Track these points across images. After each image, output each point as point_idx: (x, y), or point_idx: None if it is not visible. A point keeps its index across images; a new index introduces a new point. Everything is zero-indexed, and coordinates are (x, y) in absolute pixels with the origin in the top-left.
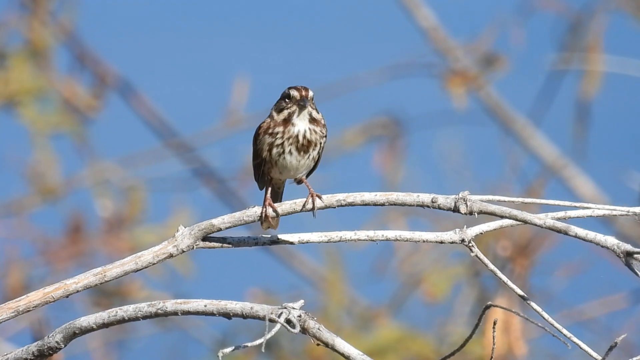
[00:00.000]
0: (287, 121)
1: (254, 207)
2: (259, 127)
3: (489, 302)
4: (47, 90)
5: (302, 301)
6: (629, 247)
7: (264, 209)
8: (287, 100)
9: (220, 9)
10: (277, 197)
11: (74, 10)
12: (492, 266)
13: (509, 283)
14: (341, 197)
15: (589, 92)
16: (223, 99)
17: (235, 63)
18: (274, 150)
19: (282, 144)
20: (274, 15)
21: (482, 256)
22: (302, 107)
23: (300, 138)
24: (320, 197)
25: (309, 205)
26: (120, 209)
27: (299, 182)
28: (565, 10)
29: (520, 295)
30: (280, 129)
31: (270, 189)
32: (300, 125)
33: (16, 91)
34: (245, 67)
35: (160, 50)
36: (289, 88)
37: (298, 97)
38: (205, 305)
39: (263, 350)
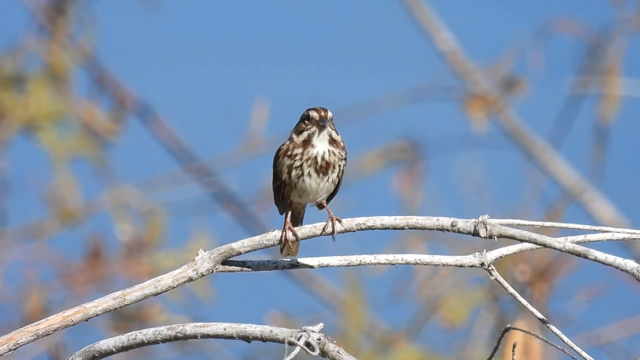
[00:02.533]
0: (306, 142)
1: (274, 230)
2: (279, 150)
3: (509, 325)
4: (66, 114)
5: (321, 324)
6: None
7: (284, 232)
8: (306, 121)
9: (240, 33)
10: (296, 222)
11: (93, 34)
12: (511, 290)
13: (529, 306)
14: (361, 220)
15: (608, 115)
16: (242, 123)
17: (255, 87)
18: (293, 173)
19: (301, 165)
20: (294, 39)
21: (501, 280)
22: (321, 128)
23: (319, 160)
24: (340, 221)
25: (329, 229)
26: (140, 233)
27: (320, 206)
28: (584, 33)
29: (539, 319)
30: (299, 150)
31: (290, 213)
32: (320, 146)
33: (36, 115)
34: (265, 91)
35: (179, 74)
36: (308, 109)
37: (317, 118)
38: (224, 329)
39: None
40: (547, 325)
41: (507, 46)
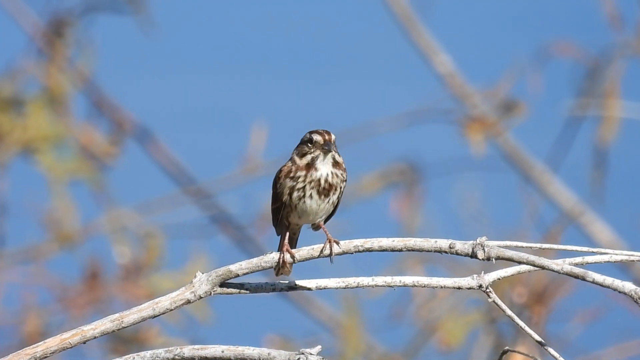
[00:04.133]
0: (310, 166)
1: (272, 253)
2: (280, 171)
3: (507, 347)
4: (64, 137)
5: (319, 347)
6: None
7: (282, 254)
8: (309, 144)
9: (239, 54)
10: (292, 243)
11: (92, 57)
12: (509, 312)
13: (527, 329)
14: (359, 242)
15: (607, 138)
16: (241, 146)
17: (254, 108)
18: (295, 194)
19: (304, 187)
20: (292, 61)
21: (499, 302)
22: (326, 152)
23: (322, 182)
24: (337, 243)
25: (327, 251)
26: (138, 255)
27: (317, 227)
28: (583, 56)
29: (538, 341)
30: (302, 172)
31: (287, 234)
32: (324, 169)
33: (34, 138)
34: (263, 112)
35: (177, 97)
36: (311, 132)
37: (322, 142)
38: (222, 351)
39: None
40: (545, 347)
41: (506, 69)
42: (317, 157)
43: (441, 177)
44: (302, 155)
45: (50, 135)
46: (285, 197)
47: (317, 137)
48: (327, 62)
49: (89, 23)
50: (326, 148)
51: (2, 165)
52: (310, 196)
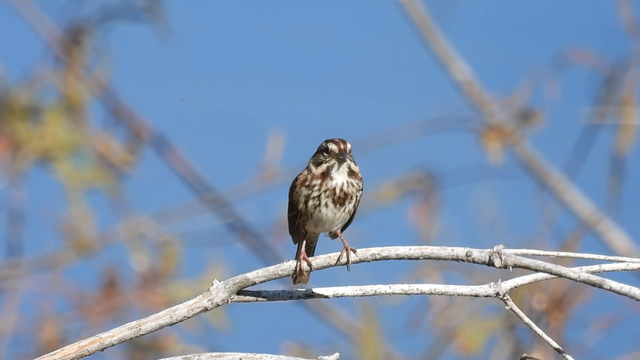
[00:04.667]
0: (325, 175)
1: (289, 260)
2: (296, 179)
3: (525, 355)
4: (81, 145)
5: (337, 354)
6: None
7: (299, 262)
8: (325, 154)
9: (256, 62)
10: (309, 251)
11: (109, 65)
12: (527, 319)
13: (544, 336)
14: (375, 250)
15: (624, 146)
16: (258, 154)
17: (271, 116)
18: (310, 203)
19: (319, 196)
20: (309, 69)
21: (517, 309)
22: (341, 161)
23: (337, 191)
24: (354, 251)
25: (344, 259)
26: (155, 263)
27: (334, 236)
28: (600, 64)
29: (555, 348)
30: (317, 181)
31: (305, 242)
32: (339, 178)
33: (51, 146)
34: (280, 120)
35: (194, 105)
36: (327, 141)
37: (337, 151)
38: (240, 359)
39: None
40: (563, 355)
41: (523, 77)
42: (332, 166)
43: (458, 185)
44: (318, 164)
45: (67, 144)
46: (301, 206)
47: (332, 147)
48: (345, 70)
49: (106, 31)
50: (341, 157)
51: (20, 174)
52: (326, 205)
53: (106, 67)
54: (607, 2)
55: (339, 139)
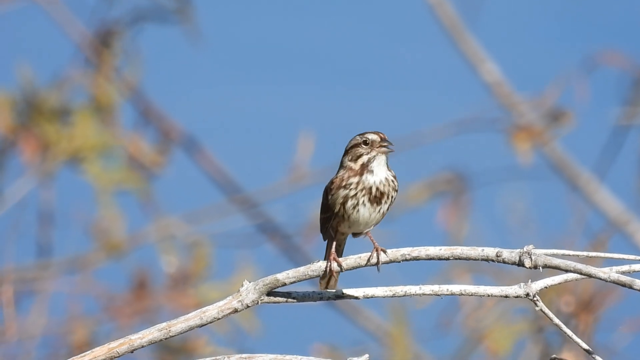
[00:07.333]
0: (365, 167)
1: (319, 261)
2: (331, 182)
3: (554, 356)
4: (111, 147)
5: (367, 356)
6: None
7: (329, 263)
8: (363, 145)
9: (283, 63)
10: (338, 252)
11: (139, 66)
12: (557, 320)
13: (574, 337)
14: (406, 251)
15: None
16: (288, 155)
17: (300, 117)
18: (349, 203)
19: (356, 195)
20: (339, 70)
21: (547, 310)
22: (387, 150)
23: (374, 190)
24: (384, 252)
25: (374, 260)
26: (185, 264)
27: (357, 235)
28: (630, 65)
29: (585, 350)
30: (355, 179)
31: (334, 243)
32: (380, 173)
33: (81, 147)
34: (310, 121)
35: (224, 106)
36: (361, 134)
37: (379, 139)
38: None
39: None
40: (593, 356)
41: (553, 78)
42: (373, 158)
43: (488, 186)
44: (357, 157)
45: (97, 145)
46: (338, 207)
47: (373, 137)
48: (376, 71)
49: (136, 33)
50: (384, 144)
51: (50, 175)
52: (363, 204)
53: (136, 69)
54: (637, 3)
55: (375, 131)
